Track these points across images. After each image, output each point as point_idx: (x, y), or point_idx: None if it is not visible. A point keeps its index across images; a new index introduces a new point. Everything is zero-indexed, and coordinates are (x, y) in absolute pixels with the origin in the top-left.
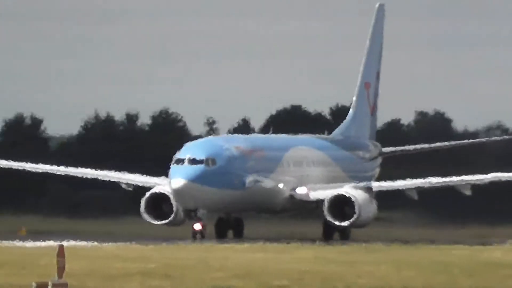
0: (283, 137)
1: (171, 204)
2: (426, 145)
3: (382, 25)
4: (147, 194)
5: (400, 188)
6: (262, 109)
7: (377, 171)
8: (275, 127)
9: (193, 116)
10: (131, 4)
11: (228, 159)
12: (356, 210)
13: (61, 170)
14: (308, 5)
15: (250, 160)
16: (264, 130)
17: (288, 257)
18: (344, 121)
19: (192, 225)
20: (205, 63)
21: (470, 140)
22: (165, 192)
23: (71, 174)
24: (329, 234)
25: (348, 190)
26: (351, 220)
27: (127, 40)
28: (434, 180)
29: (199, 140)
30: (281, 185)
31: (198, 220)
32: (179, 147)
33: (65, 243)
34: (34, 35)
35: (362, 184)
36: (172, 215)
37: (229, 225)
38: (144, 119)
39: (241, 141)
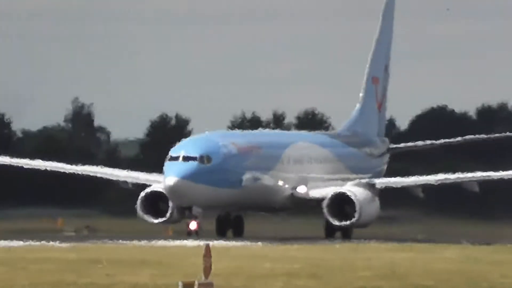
0: (283, 133)
1: (167, 202)
2: (434, 141)
3: (391, 18)
4: (143, 192)
5: (404, 185)
6: (407, 109)
7: (384, 167)
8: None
9: (339, 116)
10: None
11: (224, 156)
12: (357, 209)
13: None
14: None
15: (247, 157)
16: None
17: (433, 256)
18: (351, 117)
19: (187, 224)
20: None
21: (479, 136)
22: (162, 190)
23: None
24: (331, 233)
25: (349, 188)
26: (351, 221)
27: (272, 40)
28: (440, 177)
29: (195, 136)
30: (280, 183)
31: (193, 218)
32: None
33: (211, 243)
34: (182, 36)
35: (364, 181)
36: (168, 214)
37: (229, 223)
38: (290, 119)
39: (238, 137)
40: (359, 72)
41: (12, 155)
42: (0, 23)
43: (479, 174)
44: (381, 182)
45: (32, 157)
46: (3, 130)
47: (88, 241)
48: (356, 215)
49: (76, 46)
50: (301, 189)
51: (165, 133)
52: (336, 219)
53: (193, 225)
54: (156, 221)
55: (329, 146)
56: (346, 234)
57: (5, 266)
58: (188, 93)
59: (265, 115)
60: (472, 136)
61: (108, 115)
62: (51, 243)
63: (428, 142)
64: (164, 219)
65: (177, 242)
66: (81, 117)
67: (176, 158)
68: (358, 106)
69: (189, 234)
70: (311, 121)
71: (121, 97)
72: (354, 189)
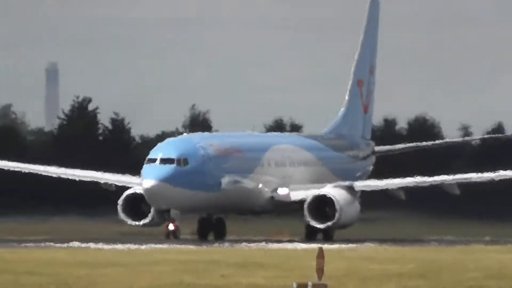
0: (264, 135)
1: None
2: (418, 144)
3: (377, 19)
4: (124, 194)
5: (385, 188)
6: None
7: (369, 170)
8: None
9: (449, 122)
10: None
11: (202, 159)
12: (337, 211)
13: None
14: None
15: (226, 159)
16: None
17: None
18: (335, 120)
19: (166, 225)
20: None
21: (457, 139)
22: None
23: None
24: (312, 234)
25: (329, 190)
26: (331, 222)
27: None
28: (420, 180)
29: (173, 138)
30: (260, 186)
31: (171, 220)
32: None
33: (324, 246)
34: (294, 44)
35: (344, 183)
36: (150, 216)
37: (210, 225)
38: (402, 124)
39: (218, 140)
40: None
41: (131, 160)
42: (128, 32)
43: (459, 176)
44: (361, 185)
45: None
46: (123, 135)
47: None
48: (336, 216)
49: (194, 56)
50: (282, 192)
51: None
52: (317, 220)
53: (171, 226)
54: (137, 223)
55: (312, 149)
56: (327, 235)
57: (125, 267)
58: (301, 98)
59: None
60: (453, 140)
61: (224, 121)
62: (172, 245)
63: (411, 144)
64: (145, 221)
65: (290, 245)
66: (198, 123)
67: (154, 161)
68: (343, 109)
69: (168, 236)
70: (422, 127)
71: (237, 103)
72: (334, 191)
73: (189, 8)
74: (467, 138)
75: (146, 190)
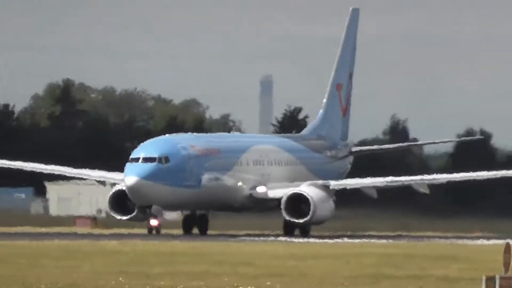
0: (243, 135)
1: None
2: (391, 145)
3: (356, 27)
4: (111, 191)
5: (358, 187)
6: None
7: (347, 169)
8: None
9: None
10: None
11: (182, 157)
12: (311, 207)
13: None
14: None
15: (206, 158)
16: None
17: None
18: (313, 121)
19: (148, 221)
20: None
21: (424, 142)
22: None
23: None
24: (290, 230)
25: (304, 188)
26: (306, 218)
27: None
28: (391, 179)
29: (155, 138)
30: (240, 184)
31: (153, 216)
32: None
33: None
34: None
35: (319, 182)
36: (135, 211)
37: (194, 221)
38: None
39: (198, 140)
40: None
41: None
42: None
43: (428, 177)
44: (336, 183)
45: None
46: None
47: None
48: (310, 213)
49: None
50: (260, 189)
51: (471, 147)
52: (293, 217)
53: (153, 222)
54: (123, 218)
55: (289, 149)
56: (304, 231)
57: (331, 259)
58: (492, 109)
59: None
60: (422, 142)
61: (421, 129)
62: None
63: (387, 146)
64: (130, 216)
65: (479, 241)
66: (397, 131)
67: (137, 159)
68: (321, 111)
69: (150, 231)
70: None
71: (433, 112)
72: (309, 189)
73: None
74: (441, 140)
75: (128, 187)
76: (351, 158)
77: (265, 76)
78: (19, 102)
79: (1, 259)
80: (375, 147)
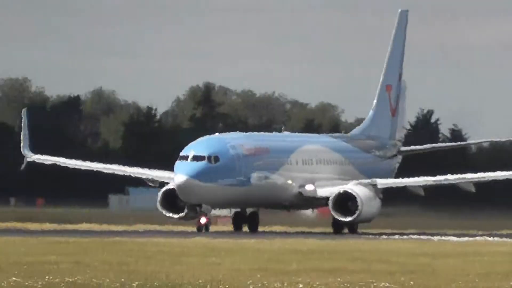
0: (293, 135)
1: None
2: (441, 144)
3: (405, 29)
4: (162, 189)
5: (404, 185)
6: None
7: (395, 168)
8: None
9: None
10: None
11: (232, 156)
12: (359, 206)
13: None
14: None
15: (255, 158)
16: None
17: None
18: (363, 122)
19: (198, 219)
20: None
21: (478, 141)
22: None
23: None
24: (338, 228)
25: (352, 187)
26: (353, 216)
27: None
28: (437, 178)
29: (204, 137)
30: (290, 182)
31: (203, 214)
32: None
33: None
34: None
35: (367, 181)
36: (186, 210)
37: (244, 219)
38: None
39: (247, 140)
40: None
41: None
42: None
43: (476, 176)
44: (383, 182)
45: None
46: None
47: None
48: (358, 211)
49: None
50: (309, 188)
51: None
52: (341, 215)
53: (202, 220)
54: (175, 216)
55: (337, 148)
56: (352, 228)
57: (462, 256)
58: None
59: None
60: (474, 141)
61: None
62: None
63: (435, 145)
64: (181, 215)
65: None
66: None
67: (186, 158)
68: (371, 112)
69: (199, 229)
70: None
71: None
72: (356, 188)
73: None
74: (489, 140)
75: (178, 185)
76: (399, 158)
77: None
78: (161, 105)
79: (147, 256)
80: (422, 146)
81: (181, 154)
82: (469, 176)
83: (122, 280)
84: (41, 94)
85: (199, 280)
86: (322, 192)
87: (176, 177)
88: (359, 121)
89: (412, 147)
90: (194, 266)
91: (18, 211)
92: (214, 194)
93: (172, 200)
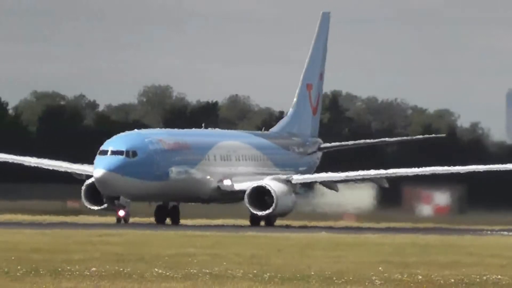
0: (211, 131)
1: None
2: (361, 141)
3: (327, 30)
4: (86, 182)
5: (317, 181)
6: None
7: (315, 164)
8: None
9: None
10: None
11: (149, 151)
12: (274, 200)
13: None
14: None
15: (173, 153)
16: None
17: None
18: (282, 120)
19: (117, 211)
20: None
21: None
22: None
23: None
24: (255, 221)
25: (268, 182)
26: (269, 210)
27: None
28: (350, 174)
29: (124, 133)
30: (208, 177)
31: (121, 207)
32: None
33: None
34: None
35: (283, 176)
36: (104, 202)
37: (166, 212)
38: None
39: (165, 135)
40: None
41: None
42: None
43: (386, 172)
44: (297, 177)
45: None
46: None
47: None
48: (273, 205)
49: None
50: (227, 182)
51: None
52: (258, 209)
53: (121, 212)
54: (96, 208)
55: (255, 144)
56: (269, 222)
57: None
58: None
59: None
60: (391, 139)
61: None
62: None
63: (353, 142)
64: (102, 207)
65: None
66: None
67: (106, 152)
68: (291, 110)
69: (119, 221)
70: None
71: None
72: (271, 183)
73: None
74: (403, 138)
75: (96, 178)
76: (319, 154)
77: (511, 89)
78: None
79: (277, 249)
80: (345, 143)
81: (101, 149)
82: (383, 172)
83: (255, 271)
84: (182, 100)
85: (326, 271)
86: (239, 186)
87: (95, 171)
88: (474, 126)
89: (332, 144)
90: (321, 259)
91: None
92: (130, 187)
93: (93, 192)
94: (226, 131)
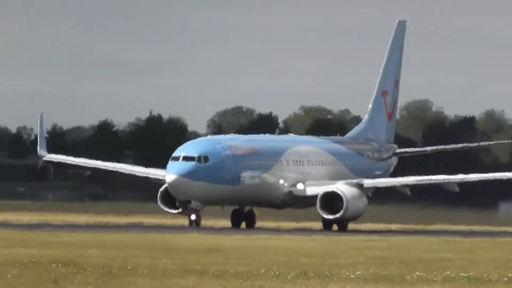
0: (284, 137)
1: None
2: (435, 147)
3: (402, 38)
4: (162, 187)
5: (391, 185)
6: None
7: (390, 169)
8: None
9: None
10: None
11: (221, 156)
12: (344, 204)
13: None
14: None
15: (244, 158)
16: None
17: None
18: (358, 126)
19: (189, 215)
20: None
21: (476, 144)
22: None
23: None
24: (328, 225)
25: (339, 186)
26: (339, 214)
27: None
28: (422, 178)
29: (196, 139)
30: (281, 181)
31: (193, 210)
32: None
33: None
34: None
35: (354, 181)
36: (178, 206)
37: (242, 216)
38: None
39: (238, 141)
40: None
41: None
42: None
43: (458, 176)
44: (369, 182)
45: None
46: None
47: None
48: (343, 209)
49: None
50: (299, 187)
51: None
52: (329, 213)
53: (192, 216)
54: (173, 211)
55: (329, 150)
56: (341, 226)
57: None
58: None
59: None
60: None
61: None
62: None
63: (430, 148)
64: (178, 210)
65: None
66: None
67: (177, 158)
68: (366, 116)
69: (191, 224)
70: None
71: None
72: (342, 187)
73: None
74: (482, 143)
75: (168, 184)
76: (395, 159)
77: None
78: None
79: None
80: (420, 149)
81: (173, 155)
82: (453, 177)
83: (510, 275)
84: (441, 114)
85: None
86: (311, 191)
87: (167, 176)
88: None
89: (407, 149)
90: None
91: None
92: (201, 192)
93: (170, 197)
94: (299, 136)
